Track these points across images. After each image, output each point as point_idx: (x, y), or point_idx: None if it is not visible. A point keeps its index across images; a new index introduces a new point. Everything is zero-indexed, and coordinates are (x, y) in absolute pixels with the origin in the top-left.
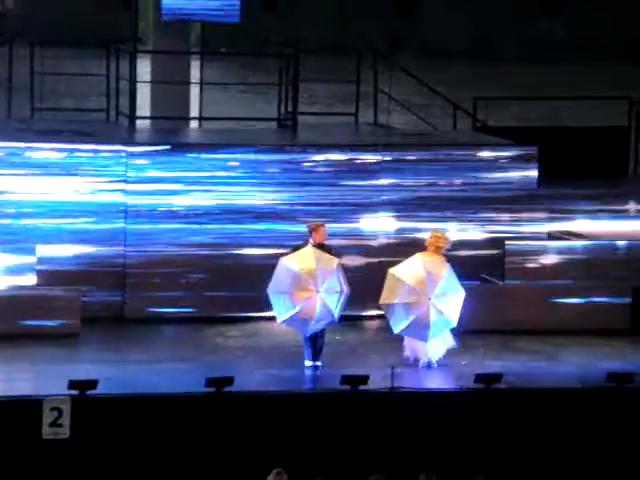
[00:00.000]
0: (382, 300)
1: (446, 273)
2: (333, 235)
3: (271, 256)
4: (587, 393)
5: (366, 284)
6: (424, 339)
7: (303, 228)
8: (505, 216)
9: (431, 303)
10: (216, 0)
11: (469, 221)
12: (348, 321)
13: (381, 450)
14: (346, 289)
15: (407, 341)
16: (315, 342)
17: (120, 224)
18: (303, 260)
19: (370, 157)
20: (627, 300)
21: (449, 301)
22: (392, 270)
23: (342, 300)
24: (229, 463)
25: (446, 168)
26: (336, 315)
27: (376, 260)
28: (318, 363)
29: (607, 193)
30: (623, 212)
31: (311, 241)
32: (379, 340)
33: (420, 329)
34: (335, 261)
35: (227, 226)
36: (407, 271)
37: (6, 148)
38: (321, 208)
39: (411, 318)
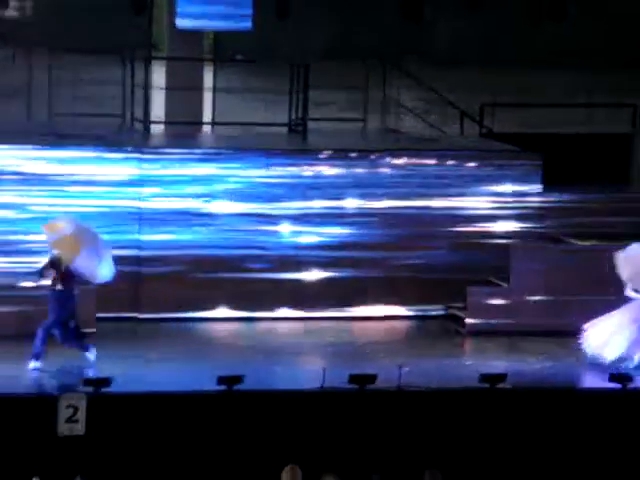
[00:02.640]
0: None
1: None
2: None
3: (284, 258)
4: (588, 394)
5: (375, 286)
6: None
7: (308, 229)
8: (510, 220)
9: None
10: (229, 8)
11: (474, 225)
12: (355, 321)
13: (388, 447)
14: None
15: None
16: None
17: (135, 227)
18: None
19: (378, 162)
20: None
21: None
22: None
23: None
24: (242, 460)
25: (452, 173)
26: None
27: (390, 262)
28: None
29: (609, 199)
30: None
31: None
32: (387, 340)
33: None
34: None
35: (240, 229)
36: None
37: (24, 152)
38: (332, 211)
39: None
